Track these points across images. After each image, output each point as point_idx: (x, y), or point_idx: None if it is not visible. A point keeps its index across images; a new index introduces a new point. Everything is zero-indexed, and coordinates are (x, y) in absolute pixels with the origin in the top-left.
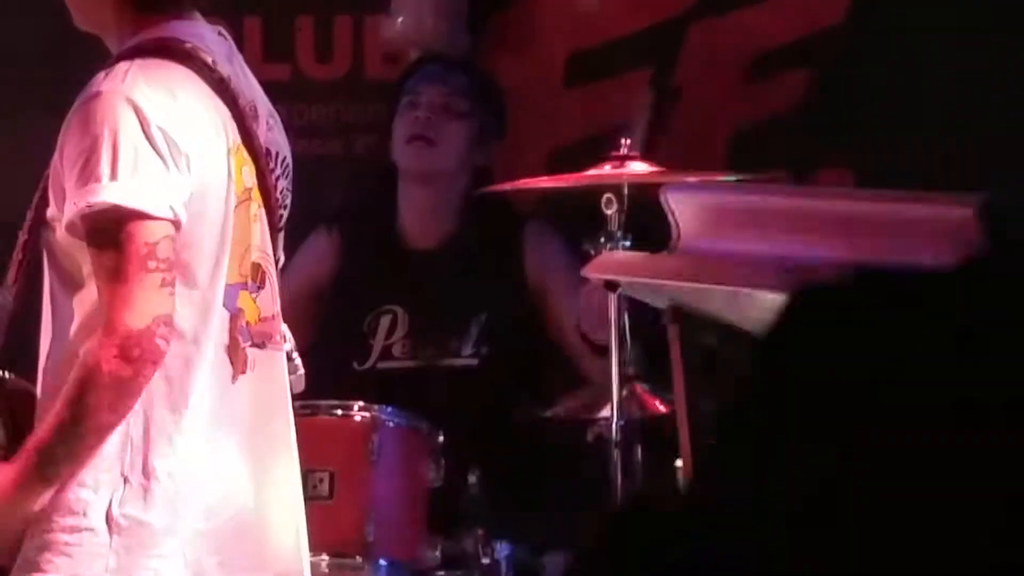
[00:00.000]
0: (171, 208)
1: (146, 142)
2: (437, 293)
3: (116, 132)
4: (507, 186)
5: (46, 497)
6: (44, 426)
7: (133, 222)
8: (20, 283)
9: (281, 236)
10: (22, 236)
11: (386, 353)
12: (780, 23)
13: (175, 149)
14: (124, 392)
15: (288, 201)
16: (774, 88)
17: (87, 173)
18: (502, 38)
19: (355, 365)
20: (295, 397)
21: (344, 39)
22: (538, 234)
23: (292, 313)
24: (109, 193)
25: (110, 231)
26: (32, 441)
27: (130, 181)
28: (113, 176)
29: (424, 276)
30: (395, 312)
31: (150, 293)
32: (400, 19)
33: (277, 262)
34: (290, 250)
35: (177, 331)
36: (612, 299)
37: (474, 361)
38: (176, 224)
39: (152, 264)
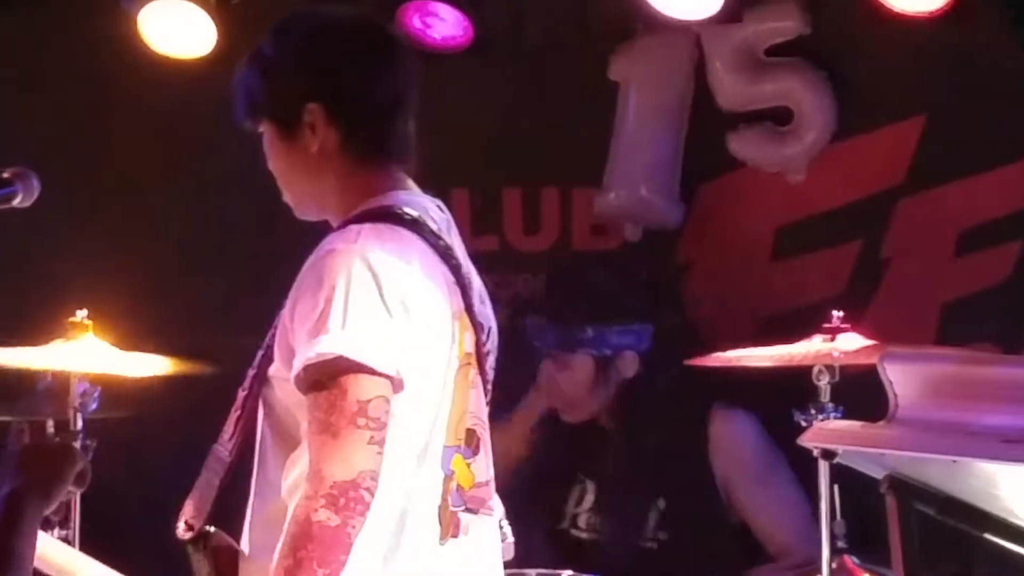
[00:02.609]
0: (395, 365)
1: (379, 299)
2: (620, 475)
3: (349, 287)
4: (714, 359)
5: None
6: None
7: (351, 376)
8: (238, 437)
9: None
10: (242, 392)
11: (574, 522)
12: (989, 197)
13: (405, 309)
14: (332, 543)
15: (492, 376)
16: (984, 261)
17: (319, 325)
18: (712, 209)
19: (547, 526)
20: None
21: (551, 211)
22: (724, 425)
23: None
24: (336, 344)
25: (327, 383)
26: None
27: (359, 334)
28: (343, 327)
29: (609, 454)
30: (585, 485)
31: (358, 449)
32: (614, 192)
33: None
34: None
35: (393, 485)
36: (823, 469)
37: (653, 545)
38: (396, 382)
39: (362, 421)
